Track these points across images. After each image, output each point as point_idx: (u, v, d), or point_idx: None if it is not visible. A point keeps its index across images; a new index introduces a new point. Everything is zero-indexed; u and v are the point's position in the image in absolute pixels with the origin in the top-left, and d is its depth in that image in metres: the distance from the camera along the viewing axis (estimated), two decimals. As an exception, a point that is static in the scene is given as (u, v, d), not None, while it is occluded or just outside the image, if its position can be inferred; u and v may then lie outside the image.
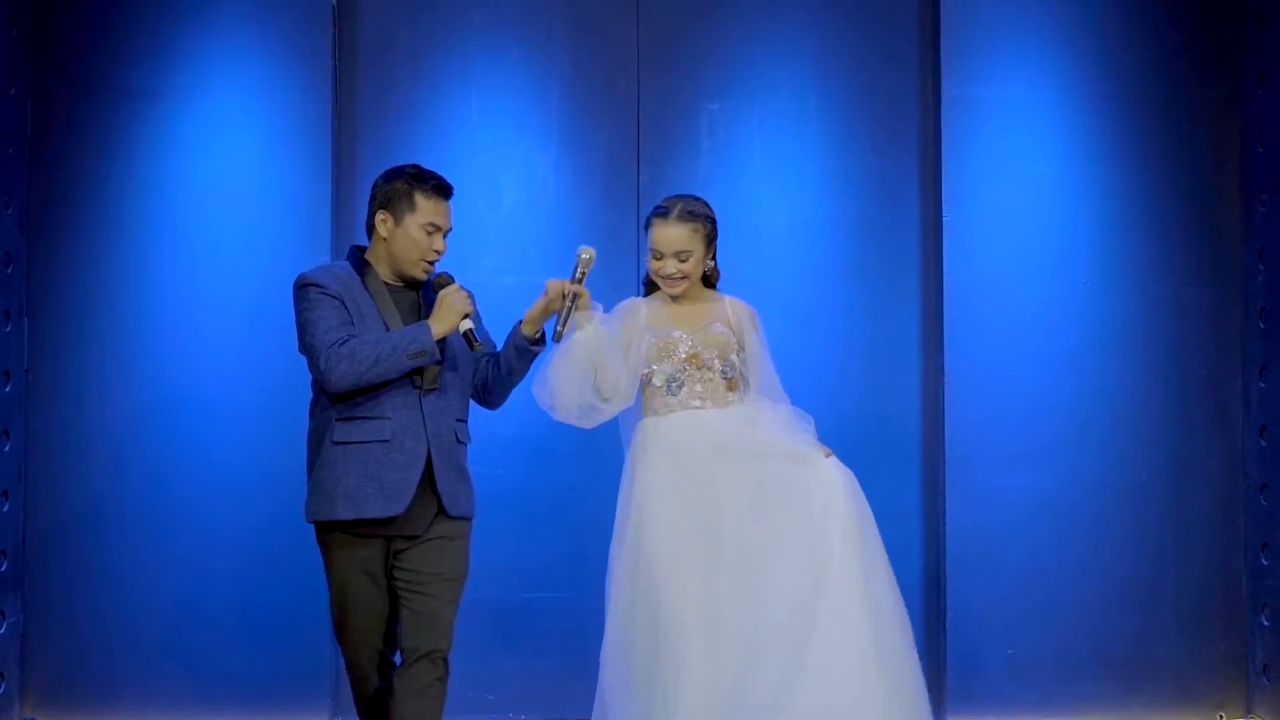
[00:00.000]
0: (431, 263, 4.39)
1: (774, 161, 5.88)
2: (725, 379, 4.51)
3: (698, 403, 4.48)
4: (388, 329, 4.26)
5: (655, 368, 4.51)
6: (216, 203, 5.71)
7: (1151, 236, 5.79)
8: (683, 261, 4.50)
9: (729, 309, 4.60)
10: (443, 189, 4.39)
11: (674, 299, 4.59)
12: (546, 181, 5.81)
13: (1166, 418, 5.78)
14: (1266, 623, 5.62)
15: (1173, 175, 5.79)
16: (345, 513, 4.21)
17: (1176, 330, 5.79)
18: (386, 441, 4.20)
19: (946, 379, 5.71)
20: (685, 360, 4.50)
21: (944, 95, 5.74)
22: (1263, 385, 5.67)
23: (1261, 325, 5.67)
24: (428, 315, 4.31)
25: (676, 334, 4.52)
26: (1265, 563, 5.63)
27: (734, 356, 4.53)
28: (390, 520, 4.21)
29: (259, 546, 5.66)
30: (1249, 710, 5.74)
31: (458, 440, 4.32)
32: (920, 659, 5.67)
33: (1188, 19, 5.82)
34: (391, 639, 4.39)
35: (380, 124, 5.81)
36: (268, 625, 5.66)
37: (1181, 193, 5.80)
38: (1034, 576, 5.71)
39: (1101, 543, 5.74)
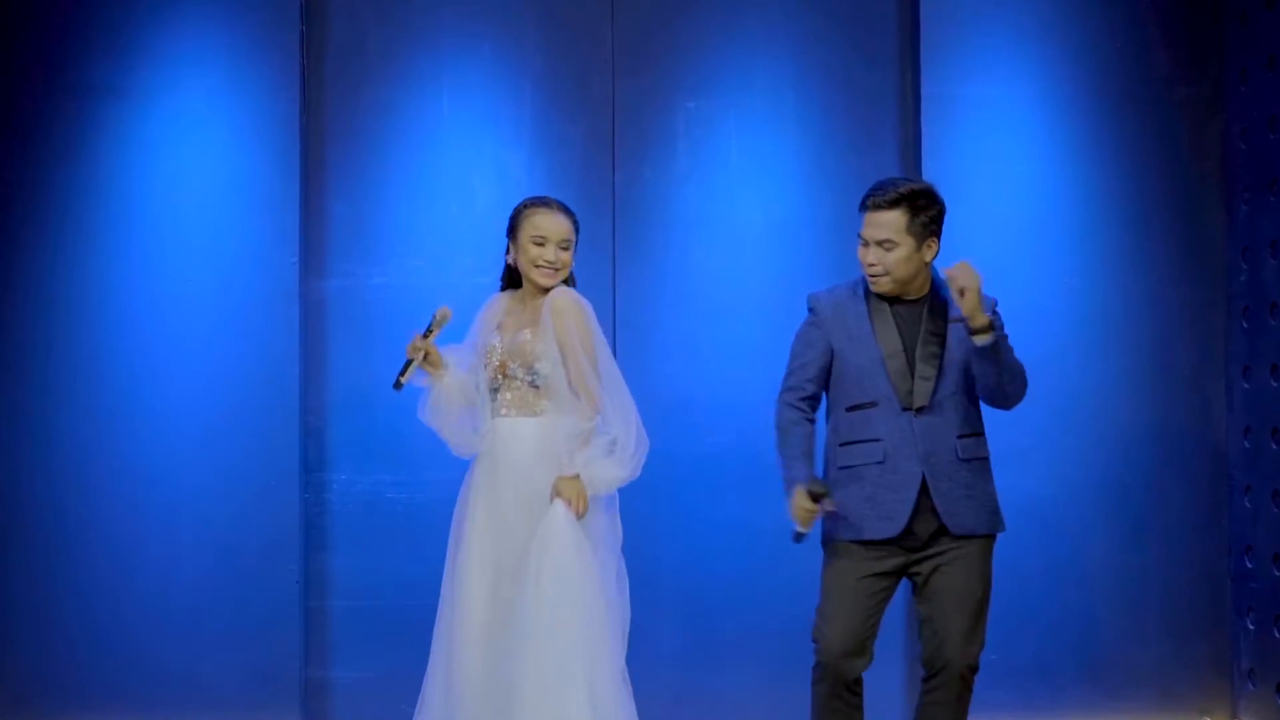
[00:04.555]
0: None
1: (751, 160, 5.85)
2: (534, 388, 4.48)
3: (505, 410, 4.50)
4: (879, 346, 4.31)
5: (484, 371, 4.55)
6: (182, 203, 5.68)
7: (1133, 235, 5.78)
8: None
9: (545, 307, 4.50)
10: None
11: (531, 296, 4.54)
12: (520, 181, 5.76)
13: (1149, 418, 5.77)
14: (1251, 626, 5.61)
15: (1155, 173, 5.79)
16: (843, 534, 4.30)
17: (1159, 329, 5.78)
18: (881, 463, 4.26)
19: (927, 380, 5.67)
20: (496, 370, 4.52)
21: (924, 92, 5.72)
22: (1246, 385, 5.65)
23: (1245, 324, 5.66)
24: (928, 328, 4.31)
25: (494, 340, 4.54)
26: (1250, 565, 5.62)
27: (540, 365, 4.47)
28: (896, 538, 4.27)
29: (228, 553, 5.64)
30: (1234, 714, 5.73)
31: (959, 458, 4.26)
32: (902, 663, 5.76)
33: (1169, 15, 5.81)
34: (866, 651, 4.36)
35: (349, 123, 5.78)
36: (237, 634, 5.63)
37: (1163, 191, 5.79)
38: (1016, 579, 5.60)
39: (1084, 545, 5.73)
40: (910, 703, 5.72)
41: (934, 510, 4.25)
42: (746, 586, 5.74)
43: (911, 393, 4.24)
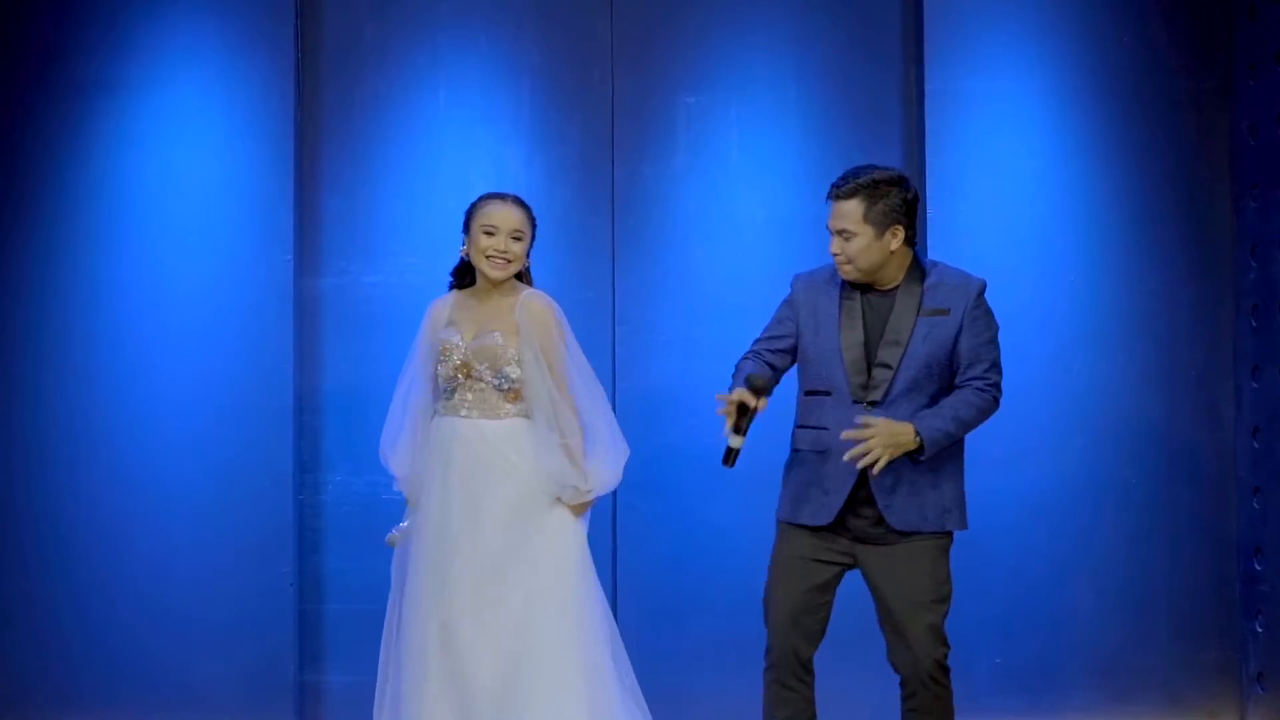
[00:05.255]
0: None
1: (753, 156, 5.82)
2: (500, 390, 4.47)
3: (465, 411, 4.48)
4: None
5: (438, 368, 4.52)
6: (175, 199, 5.67)
7: (1140, 232, 5.75)
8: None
9: (518, 312, 4.49)
10: None
11: (488, 290, 4.52)
12: (518, 178, 5.74)
13: (1156, 418, 5.74)
14: (1260, 629, 5.58)
15: (1162, 169, 5.75)
16: (784, 514, 4.35)
17: (1166, 328, 5.75)
18: (823, 453, 4.26)
19: (930, 380, 5.65)
20: (455, 368, 4.48)
21: (927, 88, 5.69)
22: (1255, 385, 5.62)
23: (1253, 323, 5.63)
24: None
25: (453, 339, 4.50)
26: (1258, 567, 5.59)
27: (510, 368, 4.46)
28: (835, 526, 4.28)
29: (221, 555, 5.63)
30: (1243, 719, 5.68)
31: (909, 456, 4.18)
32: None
33: (1177, 9, 5.78)
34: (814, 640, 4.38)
35: (344, 118, 5.77)
36: (231, 637, 5.61)
37: (1171, 187, 5.76)
38: (1021, 582, 5.67)
39: (1090, 547, 5.71)
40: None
41: (874, 505, 4.23)
42: (745, 586, 5.58)
43: (865, 386, 4.22)
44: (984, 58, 5.72)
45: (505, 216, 4.52)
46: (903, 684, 4.33)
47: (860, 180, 4.22)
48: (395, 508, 5.62)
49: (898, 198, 4.22)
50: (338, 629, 5.68)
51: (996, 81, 5.73)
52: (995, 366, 4.28)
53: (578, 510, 4.47)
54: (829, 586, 4.34)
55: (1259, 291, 5.59)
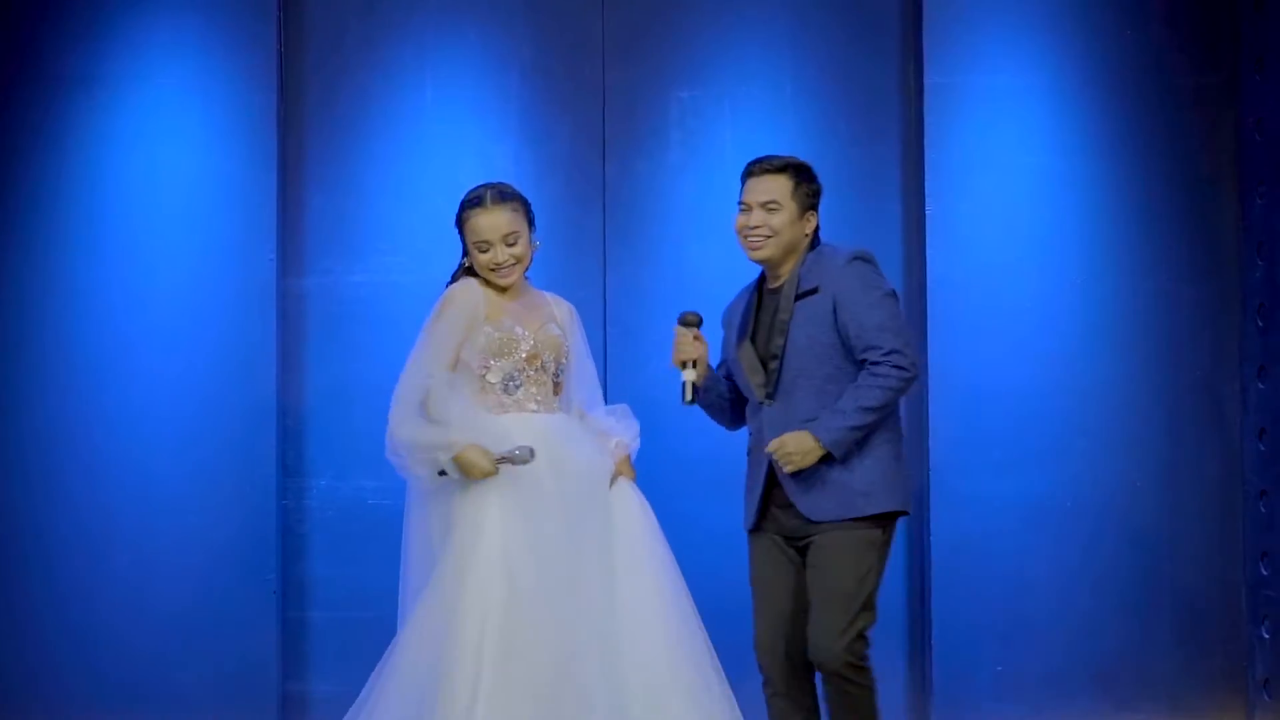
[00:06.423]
0: None
1: (748, 153, 5.61)
2: (555, 383, 4.45)
3: (534, 405, 4.37)
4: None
5: (493, 363, 4.36)
6: (155, 197, 5.69)
7: (1144, 230, 5.74)
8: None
9: (554, 308, 4.53)
10: None
11: (504, 290, 4.40)
12: (506, 175, 5.61)
13: (1160, 420, 5.73)
14: (1267, 635, 5.57)
15: (1166, 166, 5.75)
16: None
17: (1170, 328, 5.75)
18: (750, 453, 4.44)
19: (930, 381, 5.65)
20: (525, 360, 4.38)
21: (926, 82, 5.69)
22: (1261, 386, 5.61)
23: (1260, 323, 5.62)
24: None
25: (518, 330, 4.39)
26: (1265, 572, 5.59)
27: (564, 360, 4.47)
28: (771, 528, 4.38)
29: (203, 561, 5.64)
30: (1249, 726, 5.71)
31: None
32: (905, 676, 5.74)
33: (1181, 2, 5.78)
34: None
35: (329, 114, 5.77)
36: (213, 645, 5.61)
37: (1175, 184, 5.75)
38: (1023, 589, 5.67)
39: (1093, 552, 5.70)
40: (913, 709, 5.77)
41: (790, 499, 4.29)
42: (739, 591, 5.57)
43: (763, 385, 4.29)
44: (984, 52, 5.72)
45: (493, 225, 4.36)
46: (821, 678, 4.32)
47: (787, 159, 4.38)
48: (382, 512, 5.69)
49: (816, 185, 4.37)
50: (322, 637, 5.68)
51: (997, 76, 5.73)
52: (885, 331, 4.18)
53: (631, 473, 4.45)
54: (788, 591, 4.33)
55: (1265, 290, 5.58)
